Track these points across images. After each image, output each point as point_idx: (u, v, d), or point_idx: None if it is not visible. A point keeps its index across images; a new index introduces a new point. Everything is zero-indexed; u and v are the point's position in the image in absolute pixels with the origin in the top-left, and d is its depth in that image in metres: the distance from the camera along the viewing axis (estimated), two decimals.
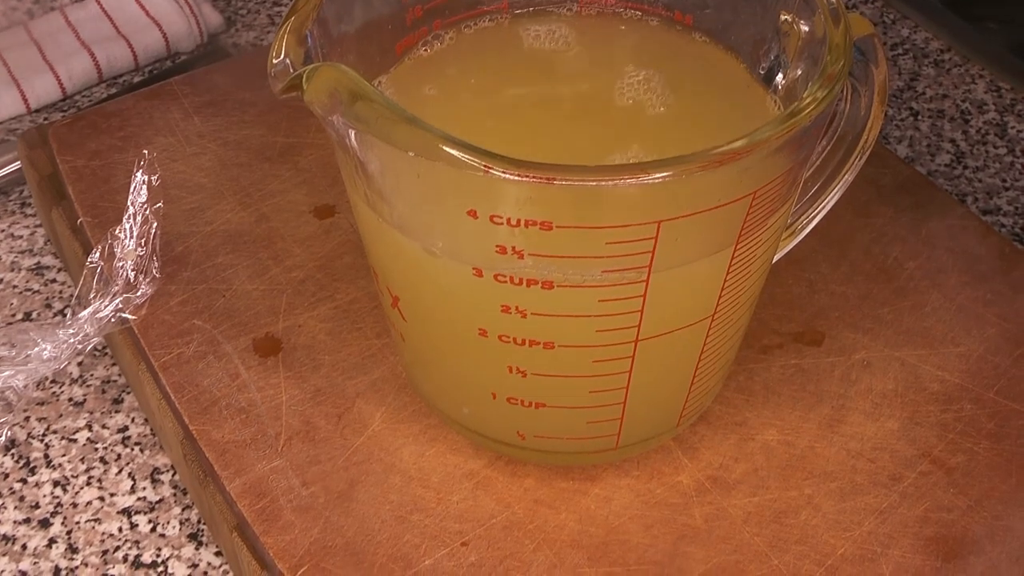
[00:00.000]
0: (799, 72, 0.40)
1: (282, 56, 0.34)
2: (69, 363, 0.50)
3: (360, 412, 0.44)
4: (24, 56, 0.66)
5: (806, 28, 0.39)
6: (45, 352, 0.45)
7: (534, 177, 0.30)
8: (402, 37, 0.42)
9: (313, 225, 0.51)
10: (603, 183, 0.31)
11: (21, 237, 0.58)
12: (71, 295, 0.54)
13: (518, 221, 0.32)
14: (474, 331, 0.36)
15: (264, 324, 0.47)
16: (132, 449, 0.49)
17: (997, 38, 0.68)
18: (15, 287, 0.55)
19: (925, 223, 0.51)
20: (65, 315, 0.53)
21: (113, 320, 0.46)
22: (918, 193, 0.53)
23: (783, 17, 0.40)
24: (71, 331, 0.46)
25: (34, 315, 0.54)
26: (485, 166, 0.30)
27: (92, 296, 0.47)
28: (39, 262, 0.56)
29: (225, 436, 0.43)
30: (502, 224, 0.32)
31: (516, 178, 0.30)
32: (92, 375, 0.51)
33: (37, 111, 0.65)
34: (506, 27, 0.43)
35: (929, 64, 0.68)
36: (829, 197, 0.43)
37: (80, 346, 0.46)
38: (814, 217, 0.43)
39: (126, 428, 0.49)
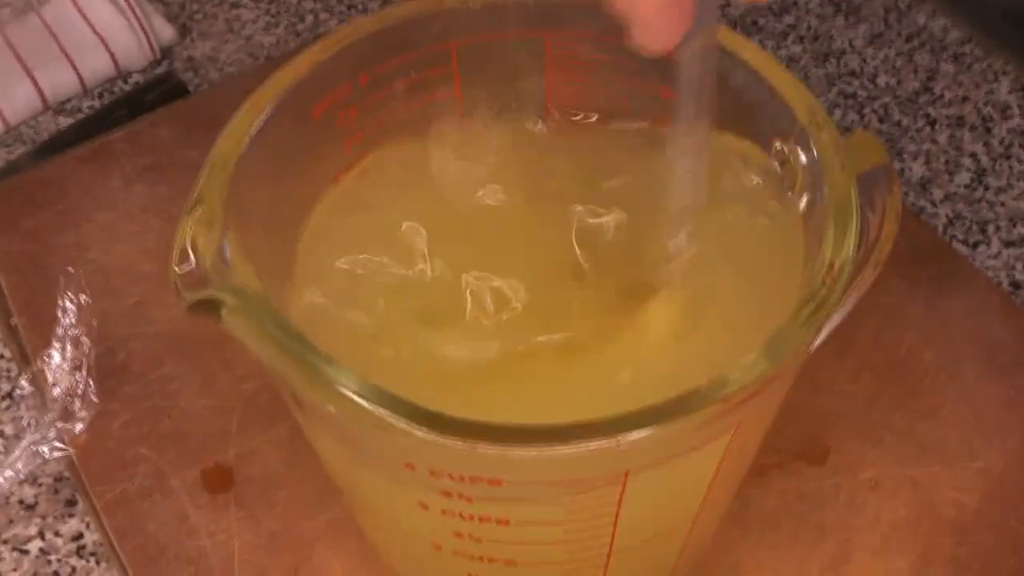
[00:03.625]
0: (805, 199, 0.35)
1: (188, 258, 0.29)
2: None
3: (319, 562, 0.40)
4: None
5: (804, 159, 0.34)
6: None
7: (476, 444, 0.26)
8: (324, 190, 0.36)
9: None
10: (559, 452, 0.26)
11: None
12: (15, 372, 0.50)
13: (461, 477, 0.28)
14: (428, 544, 0.32)
15: (214, 451, 0.43)
16: (88, 560, 0.45)
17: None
18: None
19: (942, 301, 0.46)
20: (13, 396, 0.50)
21: (50, 455, 0.43)
22: (935, 262, 0.47)
23: (776, 145, 0.35)
24: (6, 472, 0.42)
25: None
26: (415, 430, 0.26)
27: (26, 427, 0.43)
28: None
29: None
30: (443, 477, 0.28)
31: (455, 445, 0.26)
32: (44, 471, 0.47)
33: None
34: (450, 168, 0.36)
35: (948, 59, 0.61)
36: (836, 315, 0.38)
37: (19, 480, 0.43)
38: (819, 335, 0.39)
39: (80, 535, 0.46)
